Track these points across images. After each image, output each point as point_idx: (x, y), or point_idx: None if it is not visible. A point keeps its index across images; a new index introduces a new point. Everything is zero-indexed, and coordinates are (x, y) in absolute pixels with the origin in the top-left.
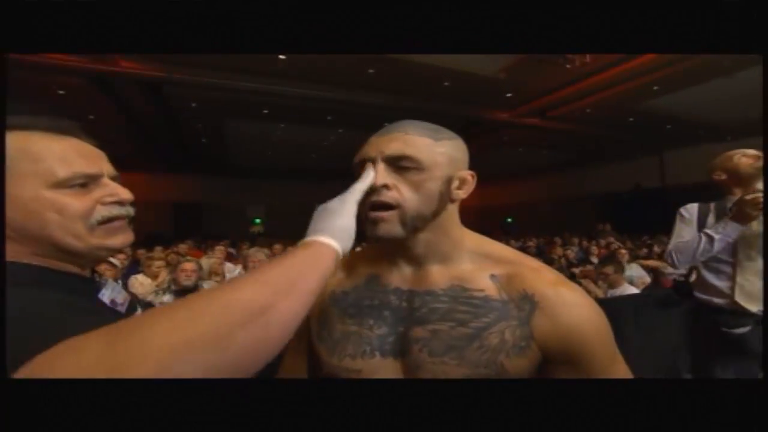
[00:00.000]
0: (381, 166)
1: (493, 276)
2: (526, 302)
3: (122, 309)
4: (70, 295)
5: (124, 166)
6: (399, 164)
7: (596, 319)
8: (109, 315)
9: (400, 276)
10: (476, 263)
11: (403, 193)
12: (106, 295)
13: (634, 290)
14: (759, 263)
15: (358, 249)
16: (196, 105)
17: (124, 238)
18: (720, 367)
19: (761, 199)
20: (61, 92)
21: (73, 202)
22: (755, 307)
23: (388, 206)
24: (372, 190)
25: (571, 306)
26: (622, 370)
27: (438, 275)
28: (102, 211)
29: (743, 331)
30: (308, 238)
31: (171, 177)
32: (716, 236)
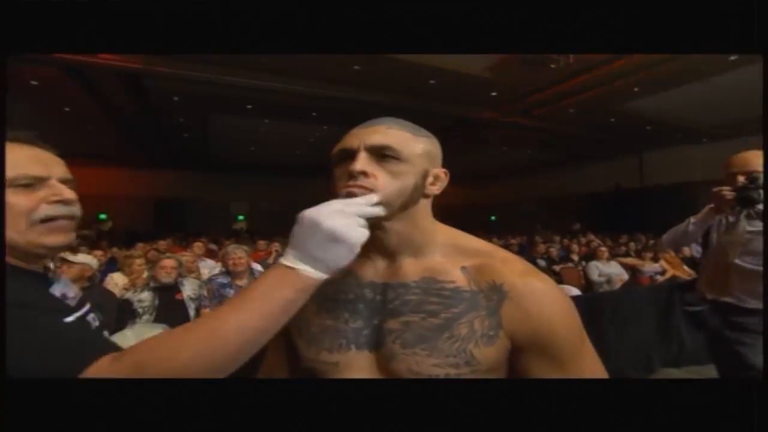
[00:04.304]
0: (362, 154)
1: (463, 268)
2: (495, 292)
3: (72, 302)
4: (28, 289)
5: (103, 161)
6: (380, 153)
7: (564, 307)
8: (59, 307)
9: (374, 270)
10: (448, 256)
11: (380, 180)
12: (57, 289)
13: (575, 291)
14: (727, 260)
15: None
16: (178, 99)
17: (63, 237)
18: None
19: (723, 192)
20: (33, 82)
21: (19, 199)
22: (710, 295)
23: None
24: (350, 176)
25: (539, 295)
26: (590, 358)
27: (410, 268)
28: (46, 210)
29: (695, 309)
30: (287, 262)
31: (151, 172)
32: (692, 221)
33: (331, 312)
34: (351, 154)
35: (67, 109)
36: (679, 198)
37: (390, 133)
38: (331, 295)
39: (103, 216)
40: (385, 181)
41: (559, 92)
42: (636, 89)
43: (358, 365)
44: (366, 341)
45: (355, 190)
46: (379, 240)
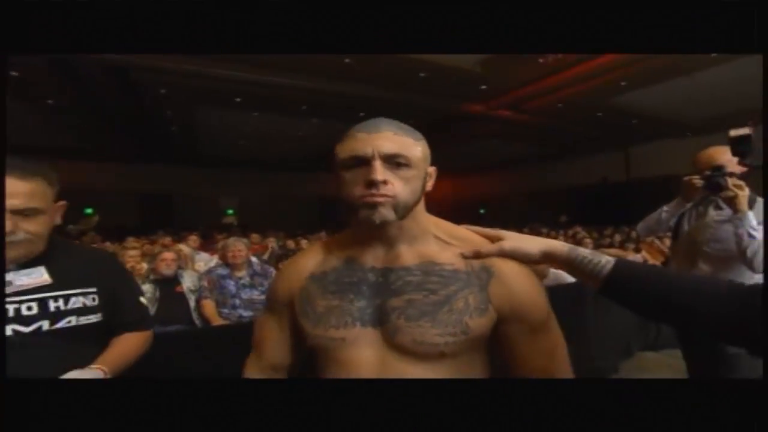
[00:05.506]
0: (378, 162)
1: (461, 253)
2: (485, 272)
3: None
4: None
5: (88, 155)
6: (393, 161)
7: (537, 285)
8: None
9: (374, 256)
10: (441, 242)
11: (396, 186)
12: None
13: (569, 279)
14: (696, 248)
15: (327, 238)
16: (166, 91)
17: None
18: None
19: (693, 180)
20: (13, 73)
21: None
22: None
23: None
24: (371, 184)
25: (519, 275)
26: (554, 326)
27: (408, 254)
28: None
29: None
30: None
31: (139, 167)
32: (665, 209)
33: (336, 294)
34: (365, 161)
35: (50, 101)
36: (665, 191)
37: (398, 140)
38: (335, 280)
39: (89, 210)
40: (400, 188)
41: (547, 87)
42: (623, 83)
43: (363, 340)
44: (369, 318)
45: (379, 199)
46: (382, 231)
